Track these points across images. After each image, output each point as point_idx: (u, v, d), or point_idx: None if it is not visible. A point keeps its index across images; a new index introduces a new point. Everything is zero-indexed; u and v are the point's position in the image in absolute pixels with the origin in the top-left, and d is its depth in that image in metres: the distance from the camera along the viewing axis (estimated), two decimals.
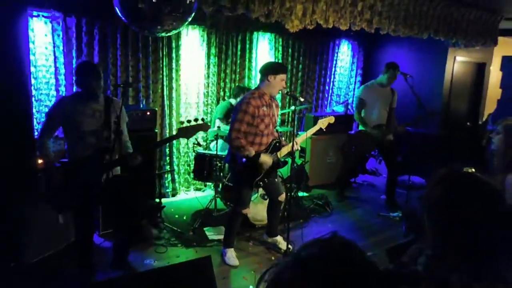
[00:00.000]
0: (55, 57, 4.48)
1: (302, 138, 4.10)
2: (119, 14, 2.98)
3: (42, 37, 4.38)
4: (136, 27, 2.99)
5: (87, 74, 3.01)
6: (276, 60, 6.17)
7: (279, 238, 4.18)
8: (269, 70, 3.60)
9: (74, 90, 4.46)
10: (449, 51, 6.33)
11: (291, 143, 3.74)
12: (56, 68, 4.50)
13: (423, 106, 4.94)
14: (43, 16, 4.34)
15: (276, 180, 3.95)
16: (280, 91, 3.70)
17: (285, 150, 3.84)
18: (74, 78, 3.07)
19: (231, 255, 3.83)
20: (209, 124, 3.81)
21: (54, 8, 4.28)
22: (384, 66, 5.23)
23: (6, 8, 2.99)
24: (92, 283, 3.02)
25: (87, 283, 3.06)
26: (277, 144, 3.78)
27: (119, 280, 2.40)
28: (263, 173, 3.66)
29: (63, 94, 4.57)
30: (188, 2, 2.81)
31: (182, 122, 3.33)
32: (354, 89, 7.38)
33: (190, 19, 3.01)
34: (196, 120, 3.35)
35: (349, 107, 6.63)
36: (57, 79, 4.53)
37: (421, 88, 5.39)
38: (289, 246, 3.91)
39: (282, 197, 4.03)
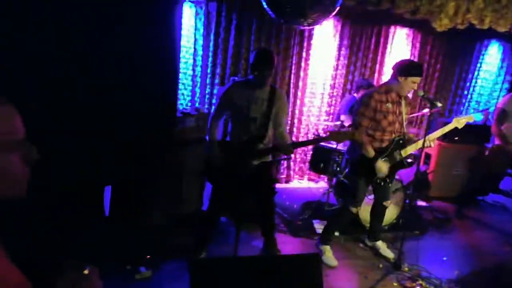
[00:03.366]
0: (195, 39, 4.80)
1: (435, 135, 3.66)
2: (265, 6, 3.03)
3: (185, 20, 4.71)
4: (281, 19, 3.02)
5: (264, 62, 3.04)
6: (412, 58, 5.78)
7: (380, 244, 3.99)
8: (401, 70, 3.35)
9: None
10: None
11: (421, 141, 3.46)
12: (195, 49, 4.82)
13: None
14: (189, 0, 4.66)
15: (390, 184, 3.72)
16: (416, 93, 3.44)
17: (412, 148, 3.56)
18: (250, 63, 3.11)
19: (329, 255, 3.70)
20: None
21: None
22: None
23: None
24: (199, 259, 3.18)
25: (194, 258, 3.25)
26: (401, 141, 3.53)
27: (227, 260, 2.49)
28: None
29: (198, 74, 4.90)
30: None
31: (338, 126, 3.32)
32: (498, 97, 6.58)
33: (334, 13, 2.95)
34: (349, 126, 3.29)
35: (490, 116, 5.92)
36: (194, 60, 4.86)
37: None
38: (400, 256, 3.69)
39: (388, 203, 3.83)
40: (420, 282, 3.54)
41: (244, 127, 3.20)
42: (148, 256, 3.14)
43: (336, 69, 5.56)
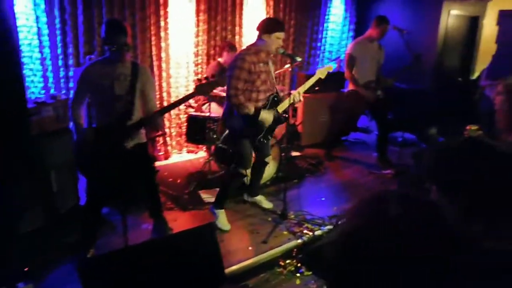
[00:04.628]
0: (37, 17, 4.23)
1: (302, 88, 3.93)
2: None
3: None
4: None
5: (116, 32, 2.84)
6: (268, 16, 5.97)
7: (260, 198, 4.25)
8: (264, 28, 3.48)
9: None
10: (444, 5, 6.17)
11: (291, 96, 3.70)
12: (38, 28, 4.26)
13: (421, 60, 4.92)
14: None
15: (269, 140, 3.91)
16: (277, 50, 3.59)
17: (285, 104, 3.79)
18: (102, 36, 2.89)
19: (223, 219, 3.79)
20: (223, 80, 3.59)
21: None
22: (374, 20, 5.12)
23: None
24: (87, 259, 2.97)
25: (85, 256, 3.03)
26: (275, 98, 3.71)
27: (117, 253, 2.35)
28: (264, 130, 3.64)
29: (47, 57, 4.38)
30: None
31: (199, 80, 3.22)
32: (346, 45, 7.24)
33: None
34: (213, 76, 3.23)
35: (342, 64, 6.51)
36: (40, 41, 4.31)
37: (413, 44, 5.28)
38: (285, 206, 3.96)
39: (269, 158, 4.05)
40: (306, 225, 3.87)
41: (109, 107, 2.99)
42: (26, 268, 2.81)
43: (197, 35, 5.47)
